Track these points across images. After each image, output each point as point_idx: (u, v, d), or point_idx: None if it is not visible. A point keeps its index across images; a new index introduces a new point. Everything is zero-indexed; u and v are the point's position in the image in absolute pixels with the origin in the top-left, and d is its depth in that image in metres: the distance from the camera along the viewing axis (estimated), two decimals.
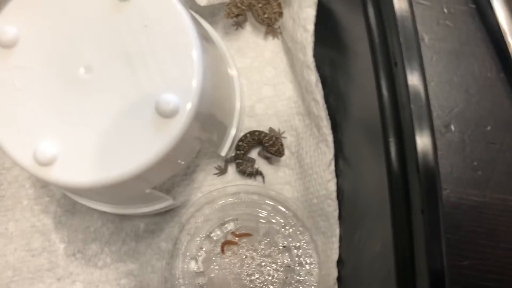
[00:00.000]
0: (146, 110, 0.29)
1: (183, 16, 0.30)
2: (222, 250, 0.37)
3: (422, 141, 0.26)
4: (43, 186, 0.40)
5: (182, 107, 0.29)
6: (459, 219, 0.39)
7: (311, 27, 0.36)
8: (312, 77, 0.36)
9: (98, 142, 0.30)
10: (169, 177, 0.35)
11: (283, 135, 0.40)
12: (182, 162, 0.34)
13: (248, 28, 0.42)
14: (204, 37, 0.36)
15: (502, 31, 0.40)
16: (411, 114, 0.26)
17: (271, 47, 0.42)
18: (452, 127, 0.40)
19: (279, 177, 0.40)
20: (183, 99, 0.29)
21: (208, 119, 0.35)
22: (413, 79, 0.26)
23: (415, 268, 0.26)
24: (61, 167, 0.30)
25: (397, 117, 0.27)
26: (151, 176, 0.32)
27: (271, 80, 0.41)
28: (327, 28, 0.37)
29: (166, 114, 0.29)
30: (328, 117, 0.37)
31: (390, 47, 0.28)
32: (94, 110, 0.30)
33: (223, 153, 0.38)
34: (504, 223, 0.39)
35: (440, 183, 0.26)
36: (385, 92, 0.28)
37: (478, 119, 0.41)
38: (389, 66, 0.28)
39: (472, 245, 0.39)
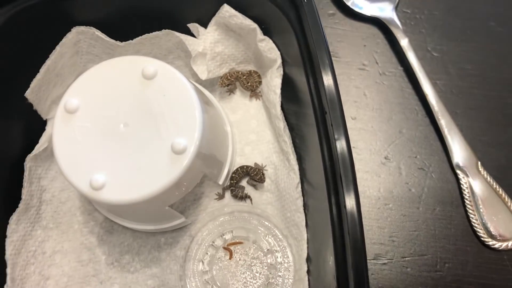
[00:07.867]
0: (165, 150, 0.42)
1: (189, 89, 0.44)
2: (230, 253, 0.49)
3: (349, 200, 0.37)
4: (89, 213, 0.51)
5: (188, 147, 0.43)
6: (401, 226, 0.51)
7: (278, 91, 0.50)
8: (281, 125, 0.50)
9: (133, 173, 0.43)
10: (181, 198, 0.48)
11: (265, 168, 0.52)
12: (190, 187, 0.47)
13: (238, 93, 0.56)
14: (205, 101, 0.51)
15: (421, 86, 0.54)
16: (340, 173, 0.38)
17: (255, 105, 0.55)
18: (390, 158, 0.54)
19: (263, 199, 0.51)
20: (189, 142, 0.43)
21: (208, 157, 0.48)
22: (341, 146, 0.38)
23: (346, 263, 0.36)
24: (108, 190, 0.42)
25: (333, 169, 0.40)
26: (168, 195, 0.45)
27: (255, 129, 0.54)
28: (290, 90, 0.50)
29: (178, 152, 0.42)
30: (294, 152, 0.50)
31: (328, 120, 0.41)
32: (130, 151, 0.43)
33: (220, 182, 0.50)
34: (438, 228, 0.50)
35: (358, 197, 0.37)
36: (324, 145, 0.41)
37: (410, 151, 0.54)
38: (326, 129, 0.40)
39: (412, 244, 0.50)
